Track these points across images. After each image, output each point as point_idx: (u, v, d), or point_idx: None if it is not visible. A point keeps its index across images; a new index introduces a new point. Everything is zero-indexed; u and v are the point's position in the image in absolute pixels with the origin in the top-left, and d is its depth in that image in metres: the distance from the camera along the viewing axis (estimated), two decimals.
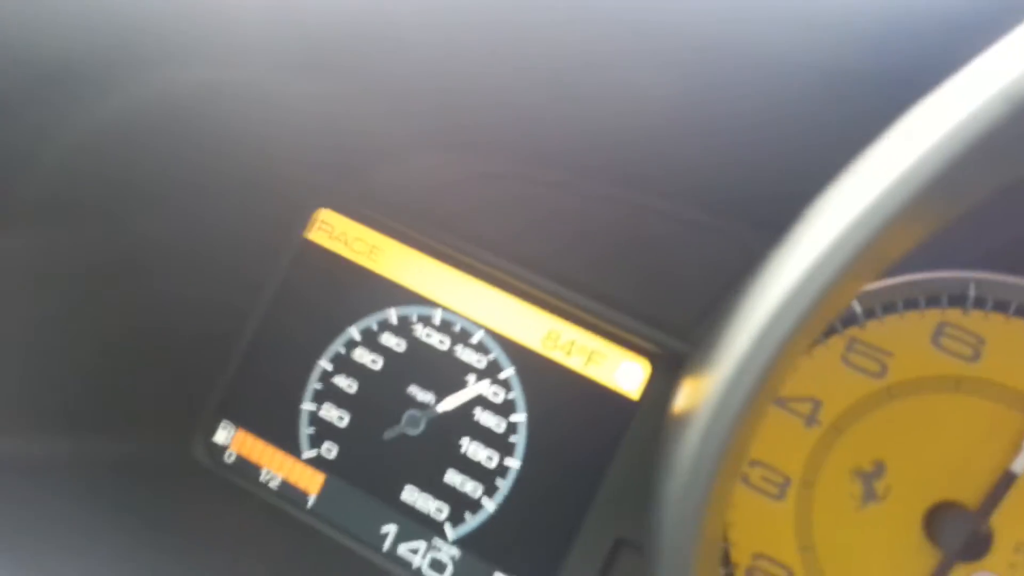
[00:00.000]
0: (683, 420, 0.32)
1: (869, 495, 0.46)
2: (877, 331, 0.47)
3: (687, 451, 0.30)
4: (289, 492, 0.53)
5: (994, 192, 0.27)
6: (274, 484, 0.54)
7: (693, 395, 0.33)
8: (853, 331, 0.47)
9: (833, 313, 0.31)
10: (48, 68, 0.40)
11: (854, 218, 0.25)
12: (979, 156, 0.24)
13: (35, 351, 0.47)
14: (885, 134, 0.29)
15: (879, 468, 0.46)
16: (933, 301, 0.46)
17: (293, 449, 0.54)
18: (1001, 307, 0.45)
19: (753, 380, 0.28)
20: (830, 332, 0.47)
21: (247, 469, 0.54)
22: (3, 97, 0.40)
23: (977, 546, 0.44)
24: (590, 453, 0.50)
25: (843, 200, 0.27)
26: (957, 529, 0.44)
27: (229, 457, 0.55)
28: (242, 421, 0.55)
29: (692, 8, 0.35)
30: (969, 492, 0.44)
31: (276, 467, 0.54)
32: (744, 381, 0.28)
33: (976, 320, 0.46)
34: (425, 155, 0.55)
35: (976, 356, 0.45)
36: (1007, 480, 0.44)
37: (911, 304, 0.46)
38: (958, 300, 0.46)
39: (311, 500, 0.53)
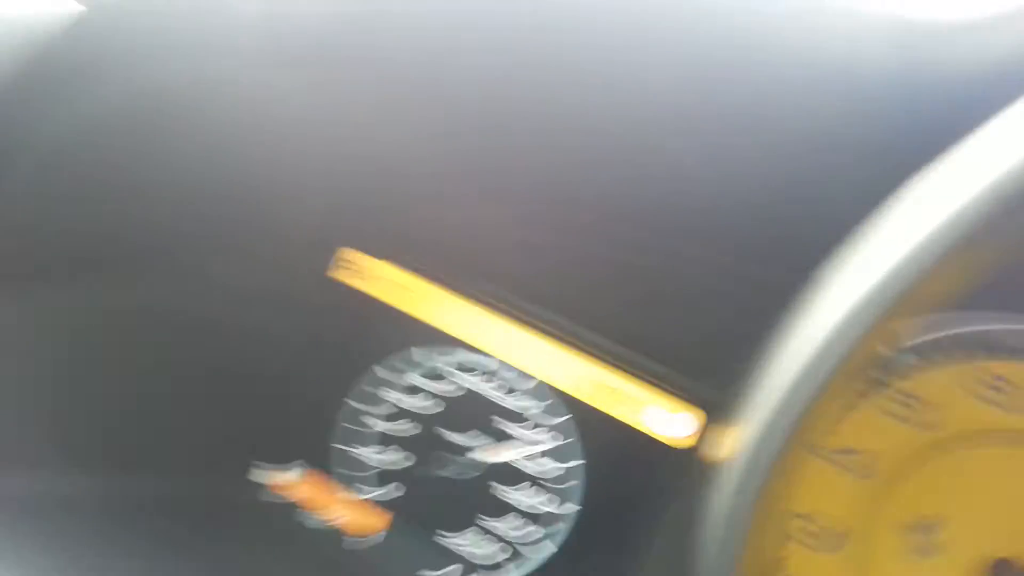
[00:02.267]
0: (719, 470, 0.33)
1: (925, 550, 0.45)
2: (926, 382, 0.46)
3: (722, 501, 0.31)
4: (347, 535, 0.55)
5: None
6: (332, 526, 0.55)
7: (730, 445, 0.34)
8: (902, 382, 0.46)
9: (865, 364, 0.31)
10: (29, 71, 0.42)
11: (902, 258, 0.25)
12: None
13: (88, 390, 0.50)
14: (917, 180, 0.29)
15: (935, 523, 0.45)
16: (985, 352, 0.45)
17: (350, 490, 0.56)
18: None
19: (785, 429, 0.28)
20: (878, 384, 0.47)
21: (303, 510, 0.56)
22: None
23: None
24: (642, 502, 0.51)
25: (891, 236, 0.27)
26: None
27: (283, 498, 0.57)
28: (292, 462, 0.57)
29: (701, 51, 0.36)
30: None
31: (332, 508, 0.56)
32: (776, 430, 0.29)
33: None
34: (458, 198, 0.56)
35: None
36: None
37: (963, 355, 0.46)
38: (1010, 351, 0.45)
39: (370, 542, 0.55)
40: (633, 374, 0.52)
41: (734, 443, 0.33)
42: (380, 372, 0.57)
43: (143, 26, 0.44)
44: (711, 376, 0.50)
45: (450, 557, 0.53)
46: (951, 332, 0.46)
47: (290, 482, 0.57)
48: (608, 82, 0.41)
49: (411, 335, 0.56)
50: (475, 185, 0.54)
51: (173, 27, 0.44)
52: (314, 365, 0.58)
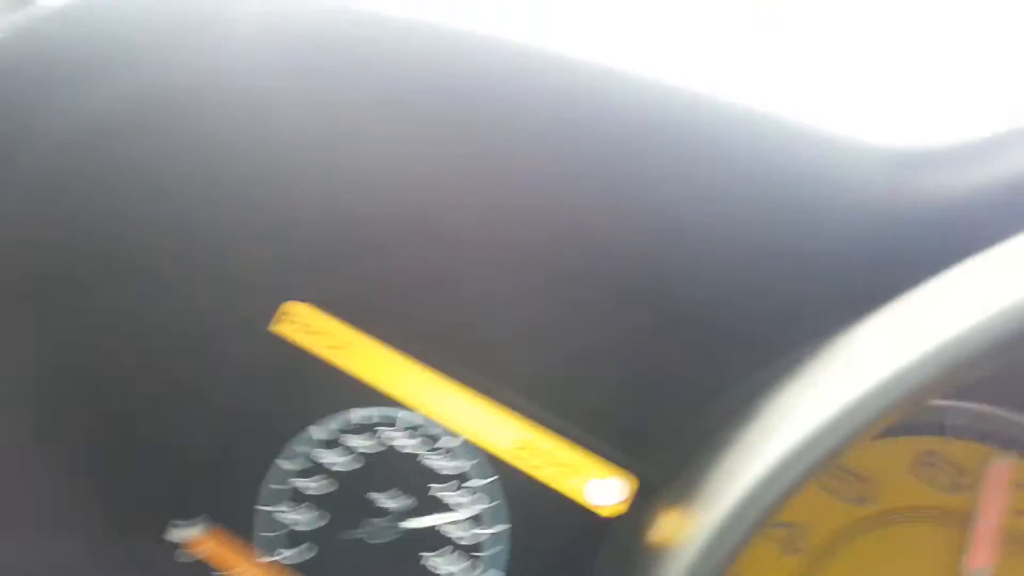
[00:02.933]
0: (670, 550, 0.31)
1: None
2: (857, 457, 0.46)
3: None
4: None
5: None
6: None
7: (680, 525, 0.32)
8: None
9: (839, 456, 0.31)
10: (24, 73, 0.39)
11: (881, 383, 0.25)
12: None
13: None
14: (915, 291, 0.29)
15: None
16: (912, 428, 0.46)
17: (251, 551, 0.51)
18: (981, 437, 0.45)
19: (754, 521, 0.28)
20: None
21: (204, 571, 0.51)
22: None
23: None
24: (566, 570, 0.48)
25: (869, 355, 0.27)
26: None
27: (188, 557, 0.52)
28: (198, 519, 0.52)
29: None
30: None
31: (235, 569, 0.51)
32: (744, 523, 0.28)
33: (956, 449, 0.45)
34: (401, 253, 0.54)
35: (958, 487, 0.44)
36: None
37: (892, 431, 0.46)
38: (938, 428, 0.45)
39: None
40: (565, 438, 0.50)
41: (687, 524, 0.32)
42: (307, 429, 0.53)
43: (141, 26, 0.40)
44: (644, 445, 0.49)
45: None
46: None
47: (196, 539, 0.52)
48: (572, 154, 0.40)
49: (345, 393, 0.52)
50: (421, 237, 0.52)
51: (171, 27, 0.41)
52: (241, 419, 0.54)
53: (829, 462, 0.26)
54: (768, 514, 0.28)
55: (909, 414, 0.29)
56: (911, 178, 0.33)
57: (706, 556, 0.29)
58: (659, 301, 0.47)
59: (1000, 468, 0.44)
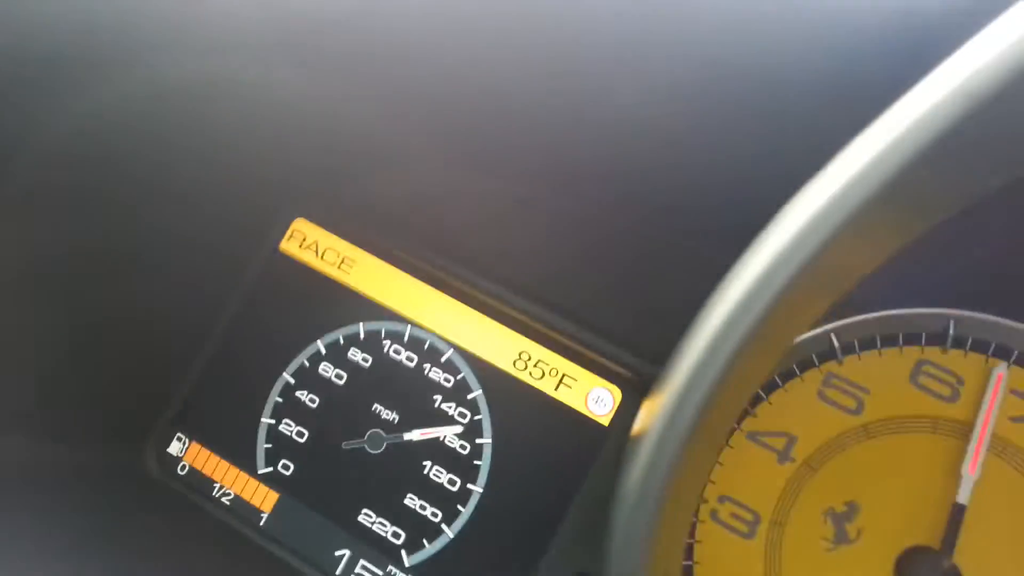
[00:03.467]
0: (633, 447, 0.31)
1: (841, 537, 0.44)
2: (855, 367, 0.45)
3: (633, 479, 0.29)
4: (242, 509, 0.51)
5: (941, 221, 0.26)
6: (227, 499, 0.51)
7: (643, 420, 0.32)
8: (830, 366, 0.46)
9: (783, 338, 0.30)
10: (29, 62, 0.39)
11: (798, 231, 0.24)
12: (916, 168, 0.23)
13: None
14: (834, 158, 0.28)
15: (852, 509, 0.44)
16: (912, 338, 0.45)
17: (248, 465, 0.52)
18: (980, 347, 0.44)
19: (696, 403, 0.27)
20: (806, 366, 0.46)
21: (200, 483, 0.52)
22: None
23: None
24: (556, 481, 0.48)
25: (791, 212, 0.26)
26: (926, 574, 0.42)
27: (182, 469, 0.52)
28: (198, 433, 0.53)
29: (683, 28, 0.35)
30: (940, 536, 0.43)
31: (230, 482, 0.52)
32: (687, 404, 0.27)
33: (955, 359, 0.45)
34: (409, 168, 0.54)
35: (955, 396, 0.44)
36: (957, 513, 0.42)
37: (890, 341, 0.45)
38: (937, 338, 0.45)
39: (264, 518, 0.51)
40: (554, 346, 0.50)
41: (647, 418, 0.31)
42: (314, 343, 0.53)
43: (141, 23, 0.40)
44: (632, 352, 0.49)
45: (340, 540, 0.50)
46: (880, 316, 0.45)
47: (181, 451, 0.53)
48: (566, 44, 0.39)
49: (351, 308, 0.53)
50: (425, 152, 0.51)
51: (170, 24, 0.40)
52: (248, 333, 0.54)
53: (771, 329, 0.25)
54: (708, 397, 0.26)
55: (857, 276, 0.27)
56: None
57: (656, 449, 0.28)
58: (659, 204, 0.46)
59: (1000, 376, 0.43)
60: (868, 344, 0.45)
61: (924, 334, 0.45)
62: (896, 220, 0.25)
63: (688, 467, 0.27)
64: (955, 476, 0.43)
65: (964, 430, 0.44)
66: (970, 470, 0.42)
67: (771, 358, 0.30)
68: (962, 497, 0.42)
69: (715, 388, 0.26)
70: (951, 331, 0.44)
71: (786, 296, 0.25)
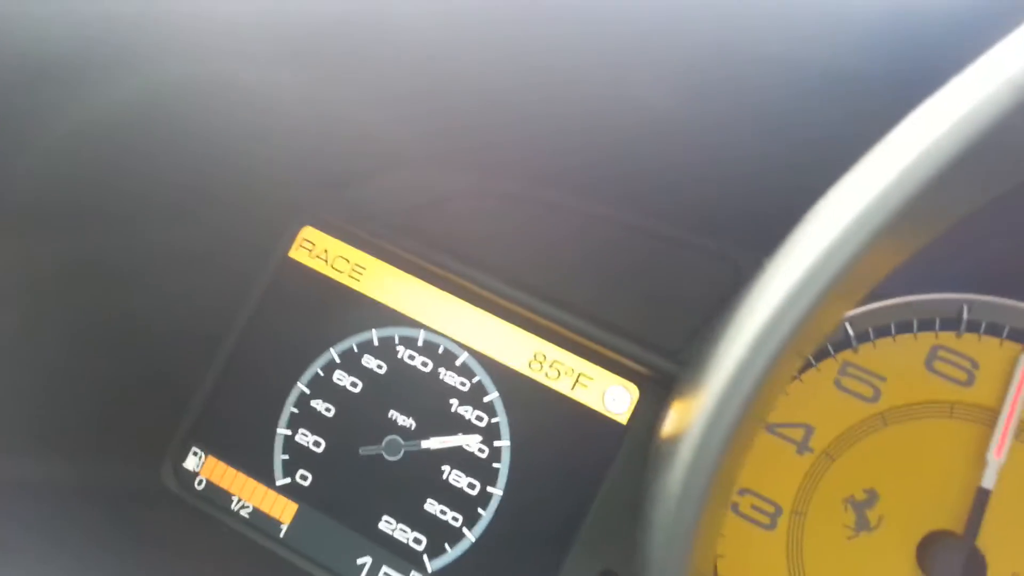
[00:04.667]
0: (670, 446, 0.31)
1: (861, 524, 0.45)
2: (870, 355, 0.46)
3: (675, 478, 0.29)
4: (261, 521, 0.51)
5: (971, 212, 0.26)
6: (245, 512, 0.51)
7: (680, 420, 0.32)
8: (846, 355, 0.46)
9: (820, 334, 0.30)
10: (30, 67, 0.39)
11: (839, 234, 0.24)
12: (959, 171, 0.23)
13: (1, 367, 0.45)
14: (869, 152, 0.28)
15: (872, 496, 0.45)
16: (926, 324, 0.45)
17: (266, 476, 0.51)
18: (994, 330, 0.45)
19: (740, 403, 0.27)
20: (822, 356, 0.46)
21: (218, 496, 0.52)
22: None
23: None
24: (576, 481, 0.48)
25: (828, 216, 0.26)
26: (949, 558, 0.43)
27: (199, 484, 0.52)
28: (214, 446, 0.53)
29: (692, 18, 0.35)
30: (961, 520, 0.43)
31: (248, 495, 0.51)
32: (732, 404, 0.27)
33: (970, 343, 0.45)
34: (416, 170, 0.53)
35: (970, 380, 0.44)
36: (982, 498, 0.42)
37: (904, 327, 0.45)
38: (951, 323, 0.45)
39: (284, 530, 0.51)
40: (569, 346, 0.50)
41: (682, 418, 0.31)
42: (327, 351, 0.53)
43: (141, 27, 0.40)
44: (649, 349, 0.49)
45: (362, 548, 0.50)
46: (894, 303, 0.45)
47: (198, 466, 0.52)
48: (570, 41, 0.39)
49: (363, 315, 0.53)
50: (432, 154, 0.51)
51: (171, 28, 0.40)
52: (261, 344, 0.54)
53: (804, 332, 0.25)
54: (751, 398, 0.27)
55: (886, 269, 0.27)
56: None
57: (700, 448, 0.28)
58: (669, 201, 0.47)
59: None
60: (883, 331, 0.46)
61: (938, 319, 0.45)
62: (937, 213, 0.25)
63: (728, 466, 0.27)
64: (974, 460, 0.43)
65: (981, 414, 0.44)
66: (996, 454, 0.42)
67: (806, 355, 0.30)
68: (987, 482, 0.42)
69: (757, 389, 0.26)
70: (965, 316, 0.45)
71: (827, 296, 0.25)
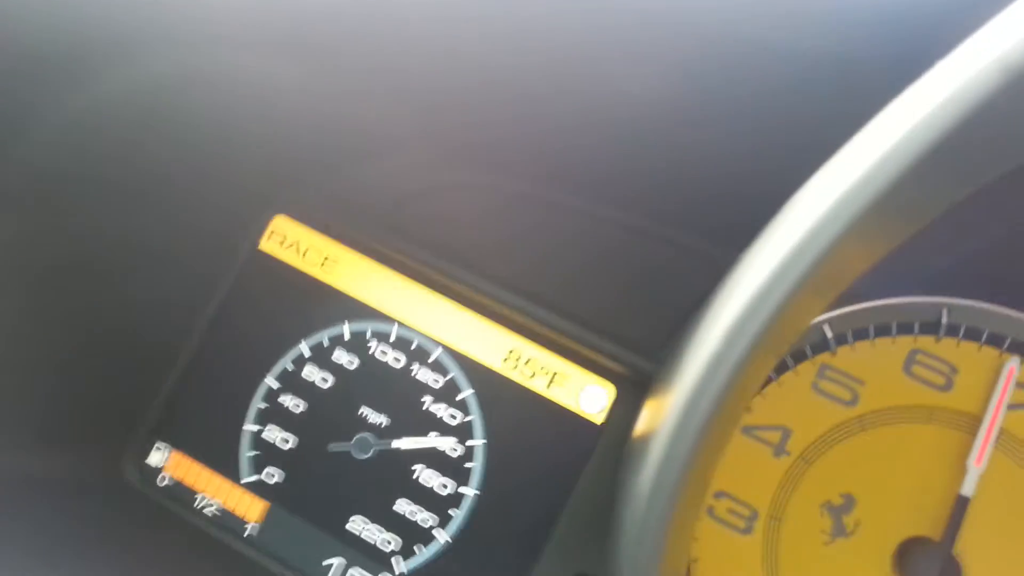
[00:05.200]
0: (642, 444, 0.30)
1: (838, 530, 0.44)
2: (848, 358, 0.45)
3: (645, 477, 0.28)
4: (226, 520, 0.50)
5: (950, 206, 0.26)
6: (210, 510, 0.50)
7: (652, 418, 0.32)
8: (824, 357, 0.45)
9: (794, 332, 0.30)
10: (15, 59, 0.38)
11: (810, 227, 0.24)
12: (925, 167, 0.23)
13: None
14: (838, 152, 0.28)
15: (849, 501, 0.44)
16: (905, 328, 0.45)
17: (232, 473, 0.50)
18: (973, 335, 0.44)
19: (711, 401, 0.26)
20: (800, 358, 0.46)
21: (182, 493, 0.50)
22: None
23: None
24: (551, 481, 0.47)
25: (801, 207, 0.26)
26: (926, 565, 0.42)
27: (163, 480, 0.51)
28: (179, 442, 0.51)
29: (677, 9, 0.34)
30: (938, 526, 0.43)
31: (213, 492, 0.50)
32: (702, 402, 0.27)
33: (948, 348, 0.44)
34: (393, 162, 0.52)
35: (949, 385, 0.44)
36: (961, 505, 0.42)
37: (883, 330, 0.45)
38: (930, 327, 0.45)
39: (249, 529, 0.49)
40: (544, 343, 0.49)
41: (653, 418, 0.30)
42: (297, 345, 0.52)
43: (127, 14, 0.38)
44: (626, 348, 0.48)
45: (331, 548, 0.48)
46: (872, 306, 0.45)
47: (162, 462, 0.51)
48: (553, 35, 0.38)
49: (335, 308, 0.52)
50: (409, 146, 0.50)
51: (152, 18, 0.39)
52: (230, 337, 0.53)
53: (776, 329, 0.25)
54: (721, 396, 0.26)
55: (857, 270, 0.27)
56: None
57: (670, 446, 0.27)
58: (648, 198, 0.46)
59: (1012, 369, 0.43)
60: (861, 334, 0.45)
61: (917, 323, 0.45)
62: (911, 208, 0.24)
63: (700, 465, 0.27)
64: (951, 466, 0.43)
65: (959, 420, 0.44)
66: (976, 462, 0.42)
67: (780, 354, 0.29)
68: (967, 489, 0.42)
69: (729, 386, 0.25)
70: (944, 320, 0.44)
71: (799, 292, 0.24)
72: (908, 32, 0.31)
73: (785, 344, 0.29)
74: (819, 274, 0.24)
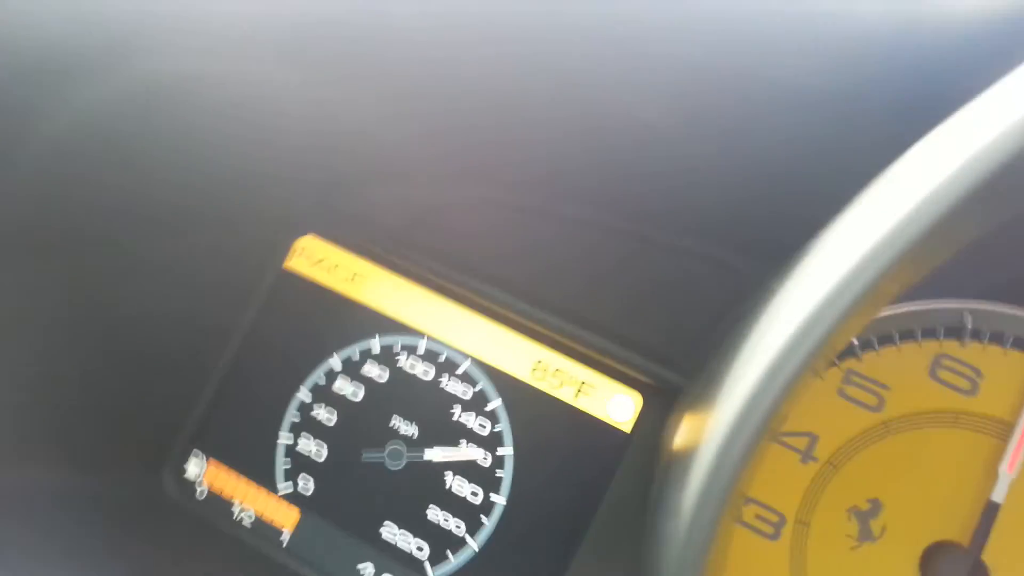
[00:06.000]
0: (683, 461, 0.31)
1: (865, 534, 0.44)
2: (874, 363, 0.46)
3: (690, 495, 0.29)
4: (263, 529, 0.51)
5: (997, 227, 0.26)
6: (247, 521, 0.51)
7: (694, 435, 0.32)
8: (850, 363, 0.46)
9: (837, 351, 0.30)
10: (21, 65, 0.39)
11: (869, 251, 0.25)
12: (988, 191, 0.23)
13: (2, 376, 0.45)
14: (894, 164, 0.28)
15: (875, 506, 0.45)
16: (930, 333, 0.45)
17: (268, 483, 0.51)
18: (998, 339, 0.44)
19: (759, 422, 0.27)
20: (828, 364, 0.46)
21: (219, 504, 0.52)
22: None
23: None
24: (580, 490, 0.48)
25: (856, 232, 0.26)
26: (953, 570, 0.42)
27: (201, 492, 0.52)
28: (215, 454, 0.52)
29: (693, 31, 0.35)
30: (966, 531, 0.43)
31: (250, 502, 0.51)
32: (750, 423, 0.27)
33: (974, 352, 0.45)
34: (416, 178, 0.53)
35: (974, 389, 0.44)
36: (991, 511, 0.42)
37: (908, 336, 0.45)
38: (955, 331, 0.45)
39: (286, 537, 0.50)
40: (571, 354, 0.50)
41: (698, 432, 0.31)
42: (327, 360, 0.53)
43: (137, 23, 0.39)
44: (651, 358, 0.49)
45: (363, 555, 0.49)
46: (898, 312, 0.45)
47: (199, 474, 0.52)
48: (572, 53, 0.39)
49: (362, 323, 0.52)
50: (434, 162, 0.51)
51: (164, 21, 0.40)
52: (261, 353, 0.54)
53: (827, 349, 0.26)
54: (773, 413, 0.27)
55: (904, 288, 0.28)
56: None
57: (719, 463, 0.28)
58: (674, 210, 0.46)
59: None
60: (886, 340, 0.46)
61: (942, 328, 0.45)
62: (957, 234, 0.25)
63: (743, 481, 0.27)
64: (978, 470, 0.43)
65: (985, 424, 0.44)
66: (1009, 469, 0.42)
67: (822, 370, 0.30)
68: (997, 495, 0.42)
69: (778, 407, 0.26)
70: (968, 324, 0.44)
71: (850, 313, 0.25)
72: (915, 65, 0.32)
73: (828, 361, 0.30)
74: (871, 296, 0.25)
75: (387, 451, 0.50)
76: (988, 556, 0.42)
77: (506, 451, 0.49)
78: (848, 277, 0.25)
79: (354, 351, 0.52)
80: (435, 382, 0.51)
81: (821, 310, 0.26)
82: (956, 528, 0.43)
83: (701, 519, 0.27)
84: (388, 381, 0.51)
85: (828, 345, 0.26)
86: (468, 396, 0.50)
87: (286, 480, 0.51)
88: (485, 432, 0.50)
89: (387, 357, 0.52)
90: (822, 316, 0.26)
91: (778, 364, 0.26)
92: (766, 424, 0.27)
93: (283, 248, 0.54)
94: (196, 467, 0.52)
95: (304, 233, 0.54)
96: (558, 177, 0.49)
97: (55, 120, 0.41)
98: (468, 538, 0.49)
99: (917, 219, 0.24)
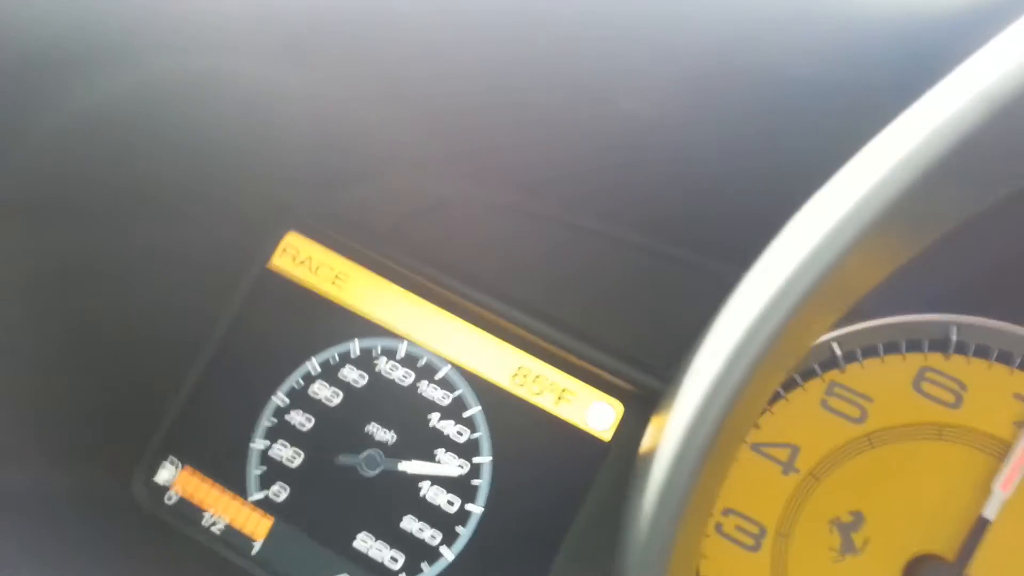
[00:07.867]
0: (645, 463, 0.30)
1: (847, 547, 0.44)
2: (858, 375, 0.45)
3: (648, 496, 0.28)
4: (233, 537, 0.49)
5: (953, 228, 0.26)
6: (217, 528, 0.50)
7: (655, 436, 0.32)
8: (833, 374, 0.45)
9: (800, 349, 0.30)
10: (19, 60, 0.38)
11: (816, 243, 0.24)
12: (933, 180, 0.23)
13: None
14: (846, 164, 0.28)
15: (857, 518, 0.44)
16: (914, 345, 0.45)
17: (240, 490, 0.50)
18: (983, 352, 0.44)
19: (715, 419, 0.26)
20: (808, 375, 0.46)
21: (189, 511, 0.50)
22: None
23: None
24: (557, 499, 0.47)
25: (802, 228, 0.26)
26: None
27: (170, 498, 0.51)
28: (187, 458, 0.51)
29: (681, 33, 0.34)
30: (950, 544, 0.43)
31: (221, 510, 0.50)
32: (706, 420, 0.27)
33: (958, 365, 0.44)
34: (404, 177, 0.53)
35: (958, 402, 0.44)
36: (980, 527, 0.42)
37: (892, 348, 0.45)
38: (940, 345, 0.45)
39: (256, 547, 0.49)
40: (552, 361, 0.49)
41: (657, 436, 0.30)
42: (305, 363, 0.52)
43: (132, 17, 0.39)
44: (633, 365, 0.48)
45: (337, 565, 0.48)
46: (882, 324, 0.45)
47: (170, 479, 0.51)
48: (559, 57, 0.38)
49: (344, 325, 0.51)
50: (421, 162, 0.51)
51: (164, 19, 0.39)
52: (238, 354, 0.53)
53: (786, 343, 0.25)
54: (727, 412, 0.26)
55: (862, 292, 0.27)
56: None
57: (676, 463, 0.27)
58: (658, 215, 0.46)
59: None
60: (870, 352, 0.45)
61: (926, 341, 0.45)
62: (911, 229, 0.25)
63: (705, 483, 0.27)
64: (962, 483, 0.43)
65: (968, 437, 0.43)
66: (1003, 487, 0.42)
67: (785, 371, 0.29)
68: (989, 512, 0.42)
69: (732, 405, 0.25)
70: (953, 337, 0.44)
71: (804, 309, 0.24)
72: (904, 56, 0.31)
73: (788, 363, 0.29)
74: (822, 291, 0.24)
75: (364, 456, 0.49)
76: (973, 571, 0.42)
77: (483, 459, 0.48)
78: (793, 275, 0.24)
79: (333, 354, 0.51)
80: (413, 387, 0.50)
81: (768, 308, 0.25)
82: (940, 542, 0.43)
83: (659, 519, 0.27)
84: (366, 386, 0.50)
85: (781, 342, 0.25)
86: (447, 402, 0.49)
87: (259, 487, 0.50)
88: (462, 440, 0.49)
89: (366, 361, 0.51)
90: (769, 315, 0.25)
91: (727, 363, 0.26)
92: (719, 424, 0.26)
93: (270, 243, 0.53)
94: (168, 472, 0.51)
95: (291, 229, 0.53)
96: (550, 181, 0.48)
97: (51, 115, 0.40)
98: (443, 548, 0.48)
99: (862, 209, 0.23)
